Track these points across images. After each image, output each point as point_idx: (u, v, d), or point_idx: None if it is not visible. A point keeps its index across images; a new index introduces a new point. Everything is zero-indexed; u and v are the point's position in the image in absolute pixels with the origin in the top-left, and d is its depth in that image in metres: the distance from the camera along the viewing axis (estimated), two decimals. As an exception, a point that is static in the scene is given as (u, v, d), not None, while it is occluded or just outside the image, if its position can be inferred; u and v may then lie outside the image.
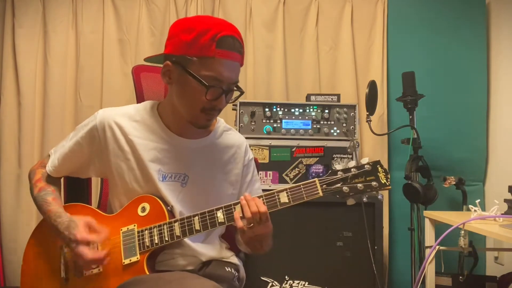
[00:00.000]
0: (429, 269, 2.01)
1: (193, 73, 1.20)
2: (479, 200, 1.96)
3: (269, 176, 2.27)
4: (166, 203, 1.29)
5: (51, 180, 1.38)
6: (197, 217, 1.25)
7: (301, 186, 1.22)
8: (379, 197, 1.26)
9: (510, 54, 2.59)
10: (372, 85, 2.32)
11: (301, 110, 2.33)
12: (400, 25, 2.81)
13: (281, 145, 2.29)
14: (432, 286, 2.05)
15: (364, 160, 1.22)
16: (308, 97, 2.39)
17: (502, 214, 1.85)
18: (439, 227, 2.06)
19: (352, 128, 2.33)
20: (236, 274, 1.37)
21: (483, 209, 1.96)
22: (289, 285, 2.15)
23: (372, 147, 2.75)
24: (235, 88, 1.28)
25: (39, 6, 2.75)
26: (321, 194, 1.21)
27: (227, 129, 1.44)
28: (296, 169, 2.29)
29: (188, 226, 1.24)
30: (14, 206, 2.69)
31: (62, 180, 1.45)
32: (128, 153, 1.31)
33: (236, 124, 2.30)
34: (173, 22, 1.28)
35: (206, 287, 1.12)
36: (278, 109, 2.32)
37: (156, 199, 1.29)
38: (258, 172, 1.59)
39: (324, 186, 1.21)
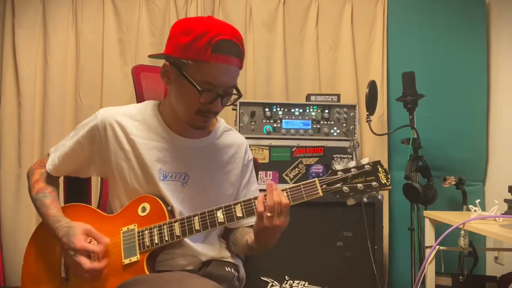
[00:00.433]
0: (429, 269, 2.01)
1: (188, 76, 1.20)
2: (479, 200, 1.96)
3: (269, 176, 2.27)
4: (166, 203, 1.29)
5: (50, 180, 1.38)
6: (197, 217, 1.25)
7: (301, 186, 1.22)
8: (379, 197, 1.26)
9: (510, 54, 2.59)
10: (372, 85, 2.32)
11: (301, 110, 2.33)
12: (400, 25, 2.82)
13: (281, 145, 2.29)
14: (432, 286, 2.06)
15: (364, 160, 1.22)
16: (308, 97, 2.39)
17: (502, 214, 1.85)
18: (439, 227, 2.06)
19: (352, 128, 2.33)
20: (236, 274, 1.37)
21: (483, 209, 1.96)
22: (289, 285, 2.15)
23: (372, 147, 2.75)
24: (234, 92, 1.27)
25: (39, 6, 2.75)
26: (321, 194, 1.21)
27: (227, 129, 1.44)
28: (296, 169, 2.29)
29: (188, 226, 1.24)
30: (14, 206, 2.69)
31: (61, 180, 1.45)
32: (129, 153, 1.31)
33: (236, 124, 2.30)
34: (175, 22, 1.28)
35: (206, 287, 1.12)
36: (278, 109, 2.32)
37: (156, 199, 1.29)
38: (258, 172, 1.59)
39: (324, 186, 1.21)
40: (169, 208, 1.29)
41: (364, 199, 1.25)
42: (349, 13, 2.81)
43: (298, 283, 2.15)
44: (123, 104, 1.41)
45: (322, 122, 2.33)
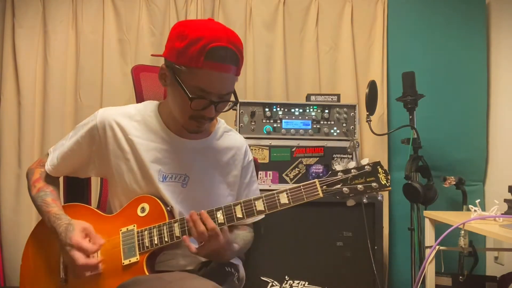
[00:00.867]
0: (429, 269, 2.01)
1: (181, 82, 1.19)
2: (479, 200, 1.96)
3: (269, 176, 2.27)
4: (166, 204, 1.29)
5: (50, 179, 1.38)
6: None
7: (301, 187, 1.22)
8: (379, 197, 1.26)
9: (510, 54, 2.59)
10: (372, 85, 2.32)
11: (301, 110, 2.33)
12: (400, 25, 2.81)
13: (281, 145, 2.29)
14: (432, 286, 2.05)
15: (364, 161, 1.22)
16: (308, 97, 2.39)
17: (502, 214, 1.85)
18: (439, 227, 2.06)
19: (352, 128, 2.33)
20: (236, 273, 1.37)
21: (483, 209, 1.95)
22: (289, 285, 2.15)
23: (372, 147, 2.75)
24: (232, 99, 1.26)
25: (39, 6, 2.75)
26: (321, 195, 1.21)
27: (227, 130, 1.44)
28: (296, 169, 2.29)
29: (188, 227, 1.24)
30: (14, 206, 2.69)
31: (61, 180, 1.44)
32: (128, 153, 1.31)
33: (236, 124, 2.30)
34: (174, 24, 1.28)
35: (206, 287, 1.12)
36: (278, 109, 2.32)
37: (155, 200, 1.29)
38: (258, 172, 1.59)
39: (324, 187, 1.21)
40: (168, 208, 1.29)
41: (364, 200, 1.25)
42: (349, 13, 2.81)
43: (298, 283, 2.15)
44: (123, 104, 1.41)
45: (322, 122, 2.33)
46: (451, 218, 1.91)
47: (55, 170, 1.38)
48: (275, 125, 2.31)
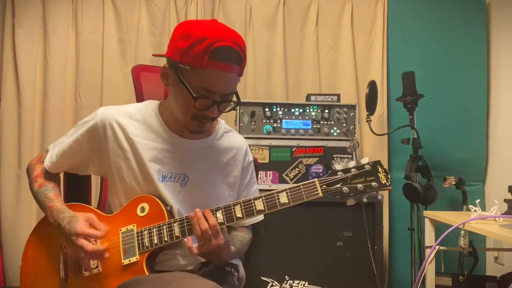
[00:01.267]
0: (429, 269, 2.01)
1: (185, 81, 1.19)
2: (479, 200, 1.96)
3: (269, 176, 2.27)
4: (166, 203, 1.29)
5: (50, 175, 1.39)
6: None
7: (301, 187, 1.22)
8: (379, 197, 1.26)
9: (510, 54, 2.59)
10: (372, 85, 2.32)
11: (301, 110, 2.33)
12: (400, 25, 2.81)
13: (281, 145, 2.29)
14: (432, 286, 2.05)
15: (364, 160, 1.22)
16: (308, 97, 2.39)
17: (502, 214, 1.85)
18: (439, 227, 2.06)
19: (352, 128, 2.33)
20: (236, 273, 1.37)
21: (483, 209, 1.95)
22: (289, 285, 2.15)
23: (372, 147, 2.75)
24: (234, 99, 1.26)
25: (39, 6, 2.75)
26: (321, 194, 1.21)
27: (228, 131, 1.44)
28: (296, 169, 2.29)
29: (188, 227, 1.24)
30: (14, 206, 2.68)
31: (61, 179, 1.45)
32: (128, 152, 1.31)
33: (236, 124, 2.30)
34: (177, 24, 1.28)
35: (206, 287, 1.12)
36: (278, 109, 2.32)
37: (155, 199, 1.29)
38: (258, 172, 1.59)
39: (324, 186, 1.21)
40: (168, 208, 1.29)
41: (364, 199, 1.25)
42: (349, 13, 2.81)
43: (298, 283, 2.15)
44: (123, 104, 1.41)
45: (322, 122, 2.33)
46: (451, 218, 1.91)
47: (54, 167, 1.38)
48: (275, 125, 2.31)
